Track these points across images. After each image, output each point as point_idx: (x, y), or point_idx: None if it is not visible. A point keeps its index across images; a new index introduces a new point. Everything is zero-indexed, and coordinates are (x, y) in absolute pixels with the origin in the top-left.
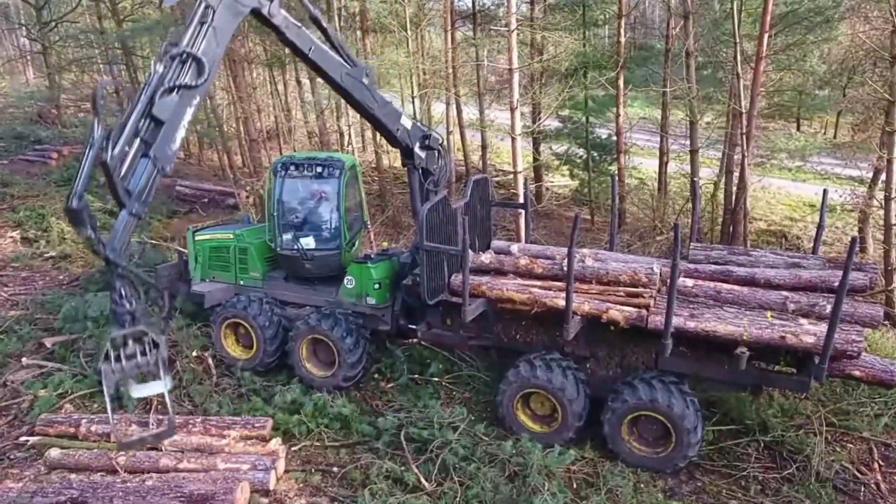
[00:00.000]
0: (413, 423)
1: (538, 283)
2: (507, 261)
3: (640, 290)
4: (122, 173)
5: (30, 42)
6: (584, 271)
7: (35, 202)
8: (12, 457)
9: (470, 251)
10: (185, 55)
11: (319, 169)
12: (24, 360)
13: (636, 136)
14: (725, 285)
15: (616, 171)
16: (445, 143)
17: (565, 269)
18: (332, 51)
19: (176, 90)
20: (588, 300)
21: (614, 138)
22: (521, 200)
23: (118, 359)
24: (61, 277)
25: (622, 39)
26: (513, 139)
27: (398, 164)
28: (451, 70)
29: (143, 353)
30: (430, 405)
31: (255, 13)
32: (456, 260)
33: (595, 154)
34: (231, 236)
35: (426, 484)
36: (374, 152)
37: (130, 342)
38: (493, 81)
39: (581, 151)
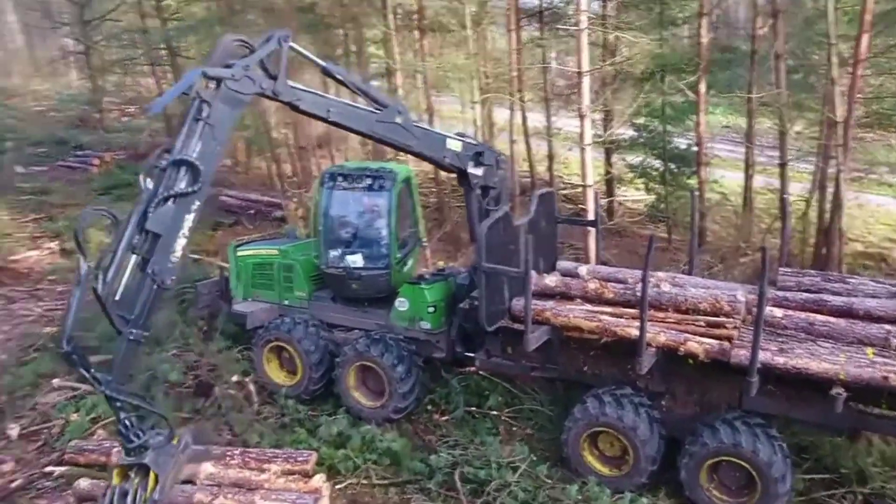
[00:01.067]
0: (469, 462)
1: (608, 309)
2: (575, 284)
3: (723, 319)
4: (118, 296)
5: (73, 42)
6: (659, 298)
7: (75, 211)
8: (40, 486)
9: (533, 273)
10: (177, 163)
11: (370, 181)
12: (55, 381)
13: (718, 147)
14: (819, 316)
15: (696, 185)
16: (505, 153)
17: (639, 294)
18: (354, 102)
19: (172, 199)
20: (664, 330)
21: (694, 149)
22: (591, 217)
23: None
24: None
25: (703, 40)
26: (582, 149)
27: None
28: (515, 73)
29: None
30: (487, 442)
31: (260, 96)
32: (518, 282)
33: (673, 166)
34: (276, 252)
35: None
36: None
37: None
38: (562, 86)
39: (657, 163)
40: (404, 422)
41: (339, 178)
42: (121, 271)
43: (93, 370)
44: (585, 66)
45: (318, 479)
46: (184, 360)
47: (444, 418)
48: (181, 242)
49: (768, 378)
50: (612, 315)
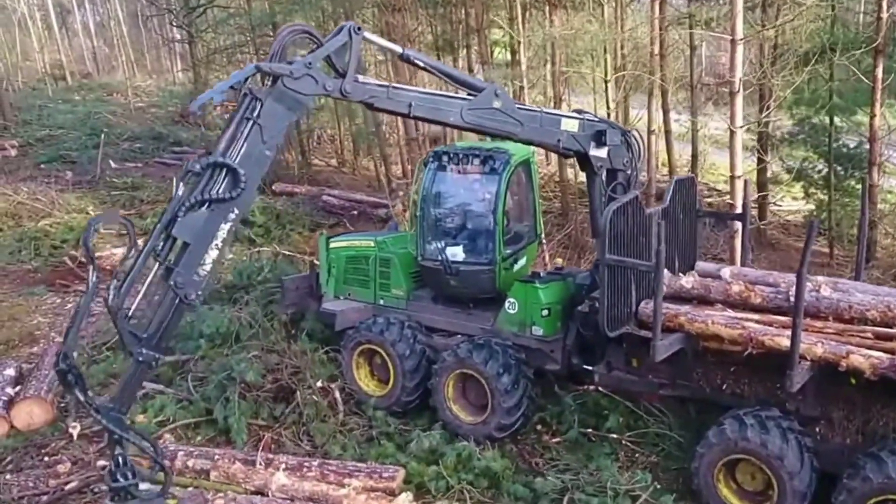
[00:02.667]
0: (580, 488)
1: (755, 316)
2: (715, 286)
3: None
4: (131, 311)
5: (178, 31)
6: (818, 304)
7: (165, 204)
8: (96, 490)
9: (666, 272)
10: (214, 165)
11: (478, 161)
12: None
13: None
14: None
15: (866, 187)
16: (637, 134)
17: (792, 299)
18: (441, 92)
19: (206, 205)
20: (822, 341)
21: (866, 146)
22: (739, 210)
23: None
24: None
25: (884, 15)
26: (732, 133)
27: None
28: (656, 51)
29: None
30: (604, 467)
31: (325, 96)
32: (646, 281)
33: (839, 168)
34: (372, 244)
35: None
36: (557, 162)
37: None
38: (712, 83)
39: (821, 164)
40: (508, 442)
41: (445, 159)
42: (138, 283)
43: (89, 395)
44: (740, 34)
45: (405, 499)
46: (264, 362)
47: (554, 440)
48: (212, 255)
49: None
50: (759, 322)
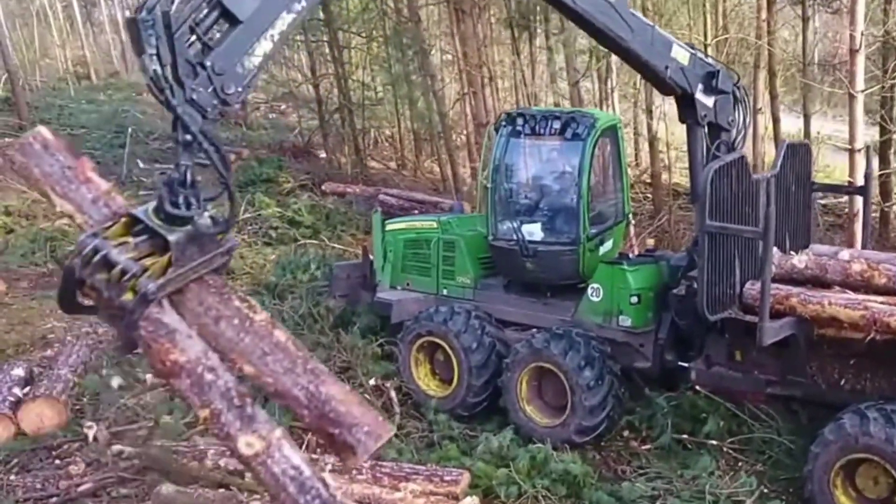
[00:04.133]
0: (675, 494)
1: (880, 298)
2: (833, 266)
3: None
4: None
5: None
6: None
7: None
8: (115, 493)
9: (776, 250)
10: None
11: (559, 125)
12: (148, 377)
13: None
14: None
15: None
16: (746, 92)
17: None
18: None
19: None
20: None
21: None
22: (861, 183)
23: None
24: None
25: None
26: (851, 98)
27: (681, 178)
28: (763, 16)
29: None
30: (701, 475)
31: None
32: (752, 257)
33: None
34: (434, 226)
35: None
36: (649, 163)
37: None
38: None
39: None
40: (590, 448)
41: (520, 122)
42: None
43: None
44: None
45: (468, 502)
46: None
47: (644, 447)
48: (264, 46)
49: None
50: (884, 303)
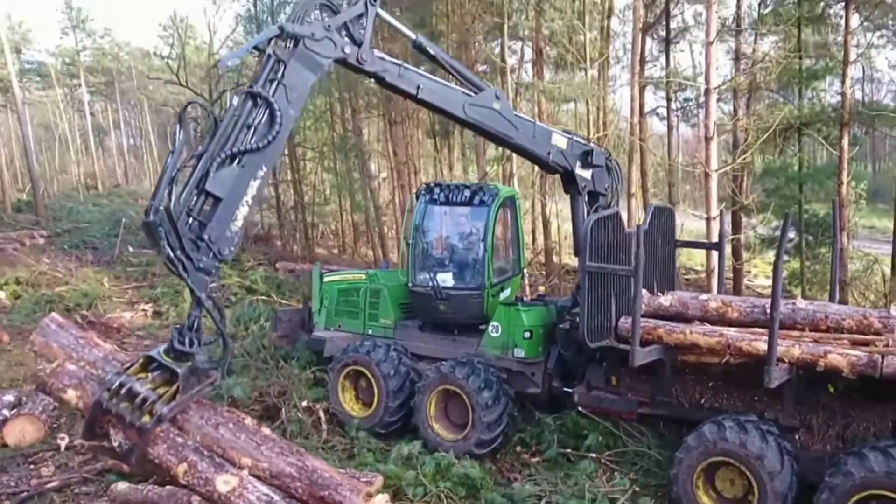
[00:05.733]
0: (559, 493)
1: (733, 329)
2: (693, 304)
3: (872, 337)
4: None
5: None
6: (794, 315)
7: (173, 280)
8: (77, 490)
9: (645, 291)
10: (252, 95)
11: (468, 194)
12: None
13: (862, 244)
14: None
15: (837, 249)
16: (617, 164)
17: (768, 312)
18: (448, 83)
19: (237, 160)
20: (799, 343)
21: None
22: (715, 240)
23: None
24: None
25: (847, 91)
26: (706, 176)
27: (569, 259)
28: (636, 120)
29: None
30: (582, 483)
31: (341, 63)
32: (625, 297)
33: (809, 237)
34: (363, 277)
35: None
36: (543, 240)
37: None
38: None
39: (792, 233)
40: (487, 460)
41: (437, 192)
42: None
43: (177, 252)
44: (714, 82)
45: (382, 499)
46: (255, 383)
47: (534, 459)
48: (242, 211)
49: None
50: (737, 332)
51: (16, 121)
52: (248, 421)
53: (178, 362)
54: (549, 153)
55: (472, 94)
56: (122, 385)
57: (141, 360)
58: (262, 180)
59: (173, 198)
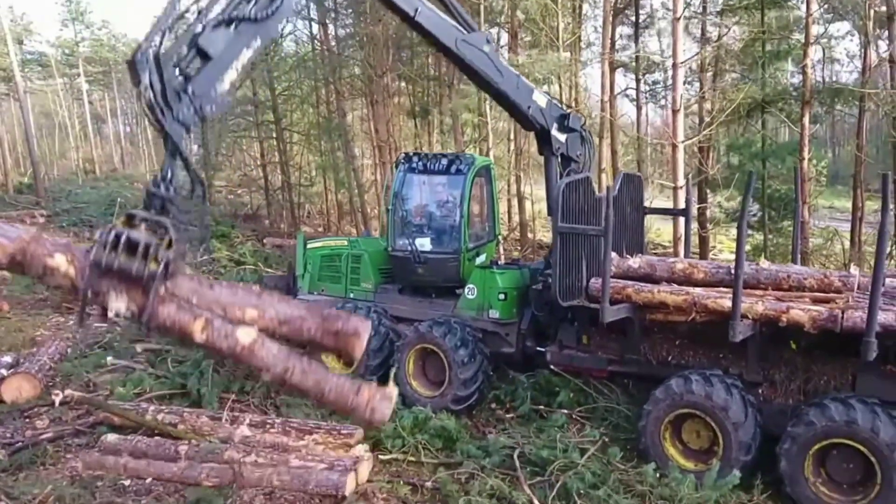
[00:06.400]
0: (531, 444)
1: (699, 288)
2: (661, 265)
3: (833, 296)
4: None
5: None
6: (758, 275)
7: None
8: (69, 442)
9: (614, 254)
10: None
11: (445, 163)
12: (109, 359)
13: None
14: None
15: (799, 214)
16: (590, 134)
17: (733, 274)
18: (444, 13)
19: (233, 24)
20: (763, 300)
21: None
22: (682, 206)
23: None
24: None
25: (809, 70)
26: (674, 147)
27: (543, 235)
28: (606, 97)
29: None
30: (553, 429)
31: None
32: (596, 259)
33: (772, 211)
34: (345, 244)
35: None
36: (518, 224)
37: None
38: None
39: (755, 207)
40: (464, 416)
41: (415, 160)
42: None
43: (163, 96)
44: (680, 58)
45: (361, 449)
46: None
47: (508, 415)
48: (231, 75)
49: (888, 355)
50: (702, 290)
51: (18, 109)
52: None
53: (161, 213)
54: (529, 107)
55: (464, 32)
56: (118, 236)
57: (122, 219)
58: (254, 52)
59: (163, 46)
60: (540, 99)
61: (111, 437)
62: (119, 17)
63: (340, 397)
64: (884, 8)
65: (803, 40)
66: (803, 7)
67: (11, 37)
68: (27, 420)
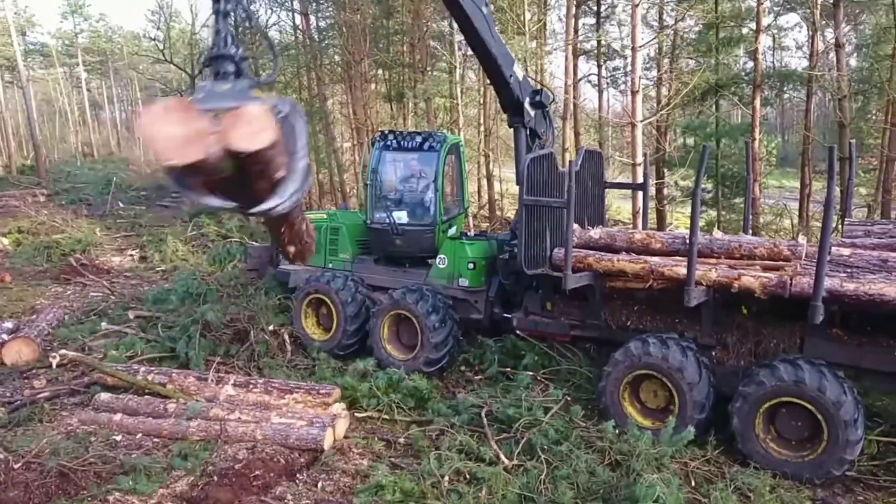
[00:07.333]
0: (498, 403)
1: (656, 258)
2: (620, 236)
3: (782, 263)
4: None
5: None
6: (711, 245)
7: (159, 231)
8: (65, 401)
9: (576, 225)
10: None
11: (419, 140)
12: (103, 324)
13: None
14: (895, 254)
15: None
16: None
17: (688, 243)
18: None
19: None
20: (716, 268)
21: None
22: (640, 181)
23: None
24: (166, 285)
25: (760, 56)
26: (633, 126)
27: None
28: (570, 81)
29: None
30: (519, 389)
31: None
32: (559, 231)
33: (725, 189)
34: (325, 217)
35: (505, 460)
36: (488, 202)
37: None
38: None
39: (709, 185)
40: (435, 378)
41: (391, 138)
42: None
43: None
44: (639, 42)
45: (338, 407)
46: (227, 310)
47: (477, 377)
48: None
49: (834, 319)
50: (659, 259)
51: (21, 96)
52: None
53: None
54: (510, 76)
55: None
56: None
57: None
58: None
59: None
60: (519, 71)
61: (104, 396)
62: (115, 9)
63: None
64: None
65: (755, 28)
66: None
67: (15, 28)
68: (26, 380)
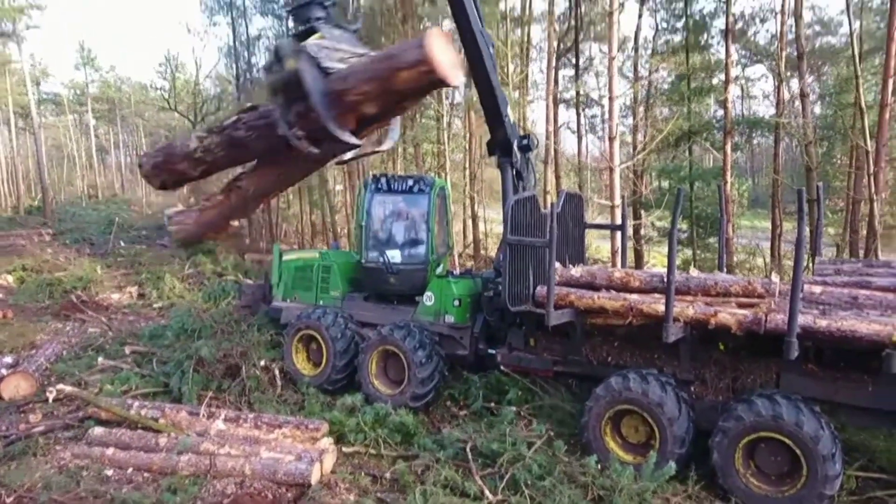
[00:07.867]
0: (483, 437)
1: (635, 295)
2: (600, 274)
3: (756, 300)
4: None
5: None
6: (688, 283)
7: (158, 268)
8: (59, 435)
9: (558, 264)
10: None
11: (410, 183)
12: (100, 359)
13: (743, 242)
14: (865, 291)
15: (724, 227)
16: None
17: (666, 281)
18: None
19: None
20: (693, 305)
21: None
22: (619, 222)
23: None
24: (162, 321)
25: (730, 104)
26: (611, 170)
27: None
28: (552, 128)
29: None
30: (503, 424)
31: None
32: (542, 269)
33: (700, 229)
34: (317, 255)
35: (490, 495)
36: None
37: None
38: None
39: (684, 225)
40: (421, 412)
41: (383, 181)
42: None
43: None
44: (615, 91)
45: (326, 442)
46: (220, 345)
47: (462, 412)
48: None
49: (808, 355)
50: (638, 296)
51: (32, 142)
52: None
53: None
54: (506, 116)
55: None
56: None
57: None
58: None
59: None
60: (511, 114)
61: (98, 430)
62: (124, 61)
63: None
64: (795, 53)
65: (724, 79)
66: (723, 50)
67: (30, 79)
68: (22, 414)
